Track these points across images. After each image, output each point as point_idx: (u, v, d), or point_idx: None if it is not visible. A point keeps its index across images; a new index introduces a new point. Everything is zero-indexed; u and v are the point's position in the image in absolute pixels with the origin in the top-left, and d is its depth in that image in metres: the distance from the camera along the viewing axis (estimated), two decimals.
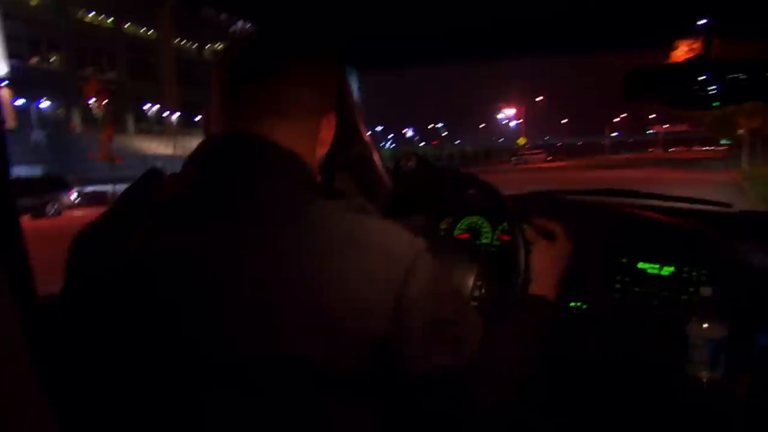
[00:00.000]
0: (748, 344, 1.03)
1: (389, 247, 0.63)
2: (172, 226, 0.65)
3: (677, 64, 1.00)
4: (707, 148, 64.14)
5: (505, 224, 1.36)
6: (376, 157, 1.55)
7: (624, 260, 1.21)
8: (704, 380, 1.03)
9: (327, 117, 0.77)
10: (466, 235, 1.46)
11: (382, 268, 0.62)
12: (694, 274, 1.14)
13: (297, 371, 0.60)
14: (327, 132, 0.78)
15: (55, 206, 17.07)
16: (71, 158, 28.73)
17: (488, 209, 1.39)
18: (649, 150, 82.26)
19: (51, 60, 33.40)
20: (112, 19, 37.27)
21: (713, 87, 0.95)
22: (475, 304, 1.09)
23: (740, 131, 25.32)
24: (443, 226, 1.49)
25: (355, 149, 1.51)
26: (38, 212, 15.85)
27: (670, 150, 77.81)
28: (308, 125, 0.75)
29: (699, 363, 1.03)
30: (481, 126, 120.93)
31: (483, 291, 1.09)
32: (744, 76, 0.96)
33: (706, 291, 1.03)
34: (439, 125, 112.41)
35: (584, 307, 1.22)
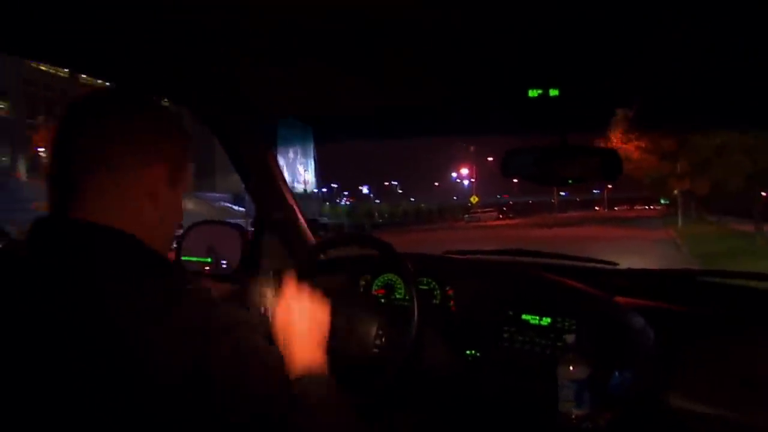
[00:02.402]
0: (607, 384, 1.21)
1: (195, 319, 0.67)
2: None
3: (541, 148, 1.22)
4: (648, 207, 67.93)
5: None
6: (300, 220, 1.72)
7: (511, 313, 1.39)
8: (573, 416, 1.20)
9: (151, 170, 0.76)
10: (382, 291, 1.62)
11: (185, 339, 0.65)
12: (566, 323, 1.32)
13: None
14: (157, 185, 0.77)
15: None
16: (14, 207, 27.67)
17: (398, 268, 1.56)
18: (595, 208, 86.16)
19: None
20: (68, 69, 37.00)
21: (568, 167, 1.17)
22: (376, 351, 1.23)
23: (675, 192, 26.95)
24: (362, 283, 1.65)
25: (279, 213, 1.68)
26: None
27: (615, 209, 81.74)
28: (126, 182, 0.74)
29: (567, 401, 1.19)
30: (435, 184, 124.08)
31: (383, 340, 1.24)
32: (592, 160, 1.19)
33: (570, 338, 1.22)
34: (395, 183, 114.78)
35: (478, 354, 1.38)
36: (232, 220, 1.83)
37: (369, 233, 1.60)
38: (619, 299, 1.41)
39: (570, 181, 1.20)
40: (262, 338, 0.76)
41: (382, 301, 1.56)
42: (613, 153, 1.17)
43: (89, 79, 37.99)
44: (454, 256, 1.78)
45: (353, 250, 1.71)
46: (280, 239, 1.69)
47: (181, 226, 0.89)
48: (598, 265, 1.77)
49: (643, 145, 23.24)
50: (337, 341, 1.25)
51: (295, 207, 1.70)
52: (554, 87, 0.87)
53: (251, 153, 1.57)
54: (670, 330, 1.29)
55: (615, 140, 25.12)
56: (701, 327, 1.31)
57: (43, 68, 35.21)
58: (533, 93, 0.90)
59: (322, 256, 1.67)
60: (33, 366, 0.63)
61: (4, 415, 0.63)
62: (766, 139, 13.11)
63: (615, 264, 1.76)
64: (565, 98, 0.94)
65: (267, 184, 1.64)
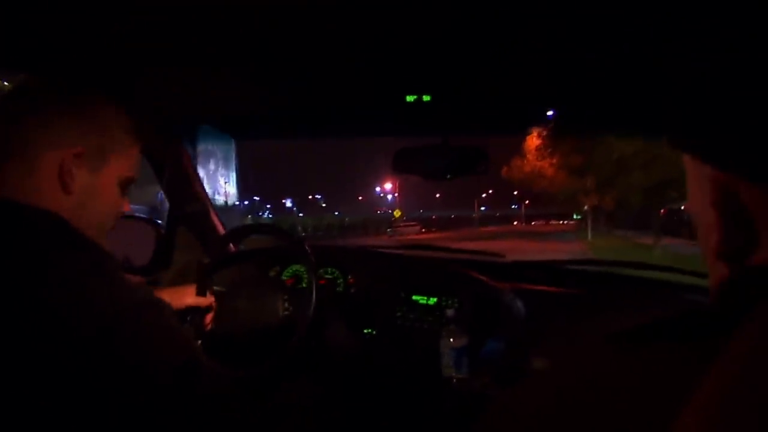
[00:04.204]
0: (481, 351, 1.40)
1: (104, 295, 0.70)
2: None
3: (425, 148, 1.40)
4: (562, 222, 72.13)
5: (319, 271, 1.68)
6: (211, 213, 1.82)
7: (403, 295, 1.57)
8: (454, 379, 1.38)
9: (57, 152, 0.77)
10: (291, 281, 1.75)
11: (93, 312, 0.68)
12: (449, 302, 1.51)
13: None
14: (68, 169, 0.78)
15: None
16: None
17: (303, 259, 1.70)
18: (514, 223, 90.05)
19: None
20: None
21: (445, 163, 1.37)
22: (280, 322, 1.38)
23: (585, 207, 28.74)
24: (272, 273, 1.77)
25: (192, 206, 1.77)
26: None
27: (532, 223, 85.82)
28: (36, 164, 0.77)
29: (448, 367, 1.37)
30: (359, 198, 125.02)
31: (289, 312, 1.39)
32: (465, 157, 1.39)
33: (450, 312, 1.40)
34: (318, 196, 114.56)
35: (374, 332, 1.54)
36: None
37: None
38: (502, 284, 1.62)
39: (448, 176, 1.40)
40: (171, 320, 0.76)
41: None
42: (482, 151, 1.38)
43: None
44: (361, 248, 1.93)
45: (264, 243, 1.83)
46: (192, 231, 1.77)
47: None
48: (489, 258, 2.00)
49: (555, 162, 24.72)
50: (244, 316, 1.37)
51: (206, 200, 1.80)
52: (426, 93, 1.05)
53: (164, 149, 1.66)
54: (538, 306, 1.51)
55: (530, 158, 26.56)
56: (564, 304, 1.54)
57: None
58: (410, 98, 1.08)
59: (233, 247, 1.78)
60: None
61: None
62: (660, 156, 14.39)
63: (502, 256, 2.00)
64: (437, 103, 1.12)
65: (179, 178, 1.72)
